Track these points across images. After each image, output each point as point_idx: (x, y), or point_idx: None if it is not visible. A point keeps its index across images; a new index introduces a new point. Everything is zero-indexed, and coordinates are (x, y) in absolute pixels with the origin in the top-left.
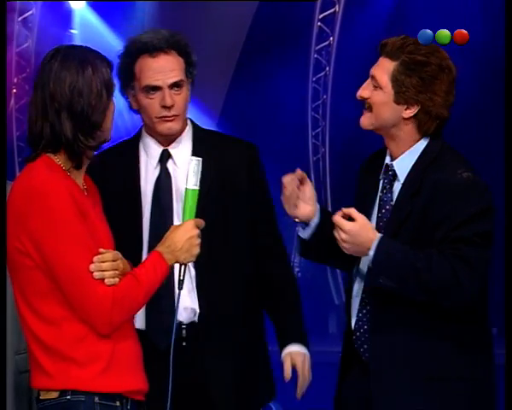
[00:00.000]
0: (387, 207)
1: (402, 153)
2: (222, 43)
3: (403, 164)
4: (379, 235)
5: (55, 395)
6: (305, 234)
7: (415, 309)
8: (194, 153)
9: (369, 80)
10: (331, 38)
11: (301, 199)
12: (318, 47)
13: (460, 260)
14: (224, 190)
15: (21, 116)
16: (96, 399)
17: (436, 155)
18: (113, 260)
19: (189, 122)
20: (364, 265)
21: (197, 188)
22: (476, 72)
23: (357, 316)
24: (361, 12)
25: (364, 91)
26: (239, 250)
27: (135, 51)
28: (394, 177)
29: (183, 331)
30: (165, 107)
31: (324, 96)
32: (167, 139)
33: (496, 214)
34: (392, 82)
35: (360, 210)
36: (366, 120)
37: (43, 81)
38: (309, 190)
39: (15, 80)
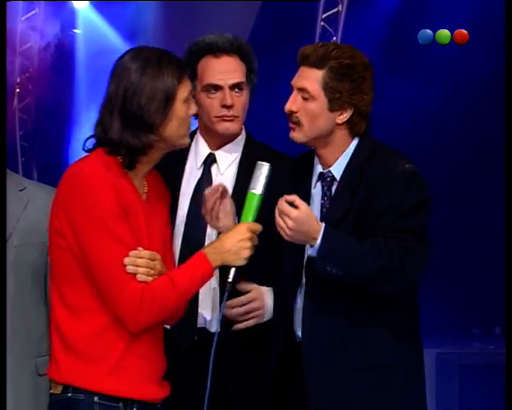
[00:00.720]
0: (328, 206)
1: (336, 159)
2: None
3: (339, 167)
4: (323, 224)
5: (59, 389)
6: None
7: (351, 296)
8: (241, 162)
9: (294, 93)
10: (334, 38)
11: (222, 211)
12: None
13: (406, 250)
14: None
15: (24, 116)
16: (96, 398)
17: (370, 151)
18: (150, 260)
19: (243, 131)
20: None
21: (260, 193)
22: (476, 72)
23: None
24: (364, 12)
25: (294, 105)
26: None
27: (198, 52)
28: (332, 181)
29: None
30: (225, 106)
31: None
32: (220, 141)
33: (496, 214)
34: (324, 90)
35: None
36: (299, 135)
37: (110, 78)
38: (229, 203)
39: (18, 80)
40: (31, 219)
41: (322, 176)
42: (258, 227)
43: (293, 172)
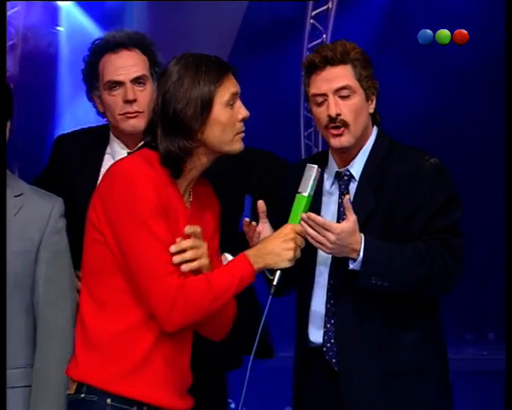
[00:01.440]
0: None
1: (353, 156)
2: (212, 44)
3: (357, 165)
4: (363, 236)
5: (73, 389)
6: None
7: (381, 301)
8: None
9: (331, 98)
10: (324, 36)
11: (262, 236)
12: (311, 45)
13: (448, 250)
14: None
15: None
16: (109, 400)
17: (388, 147)
18: (196, 247)
19: None
20: (321, 274)
21: (307, 195)
22: (476, 72)
23: (325, 327)
24: (354, 9)
25: (338, 108)
26: None
27: (98, 50)
28: (350, 179)
29: None
30: (127, 101)
31: None
32: (134, 142)
33: (492, 219)
34: (359, 81)
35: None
36: (347, 138)
37: (157, 85)
38: (268, 227)
39: None
40: (18, 227)
41: (338, 175)
42: (306, 230)
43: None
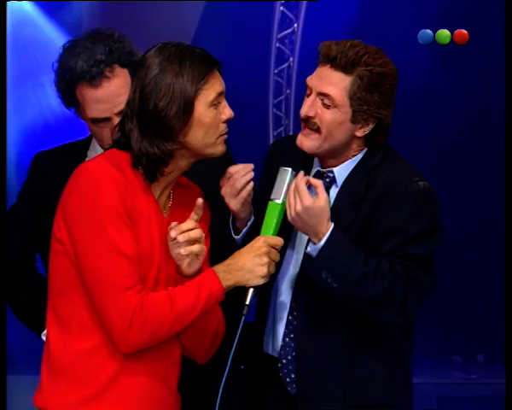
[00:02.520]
0: None
1: (342, 162)
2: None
3: (343, 170)
4: (332, 224)
5: None
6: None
7: (347, 327)
8: None
9: (313, 96)
10: (295, 25)
11: (249, 198)
12: (281, 35)
13: (412, 282)
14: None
15: None
16: None
17: (380, 159)
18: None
19: None
20: (289, 277)
21: (281, 203)
22: (476, 73)
23: (283, 341)
24: None
25: (311, 110)
26: None
27: (71, 80)
28: (331, 183)
29: None
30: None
31: (287, 91)
32: None
33: (495, 216)
34: (350, 100)
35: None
36: (312, 143)
37: (132, 77)
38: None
39: None
40: None
41: (319, 175)
42: (279, 241)
43: (289, 161)
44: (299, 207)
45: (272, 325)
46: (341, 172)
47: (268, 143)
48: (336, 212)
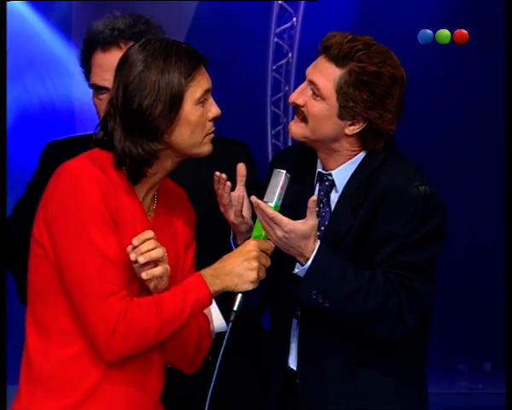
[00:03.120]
0: (327, 222)
1: (340, 164)
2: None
3: (343, 173)
4: (318, 243)
5: None
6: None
7: (351, 333)
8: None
9: (305, 84)
10: (294, 19)
11: (246, 206)
12: (279, 29)
13: (408, 291)
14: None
15: None
16: None
17: (381, 161)
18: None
19: None
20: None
21: (274, 206)
22: (475, 74)
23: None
24: None
25: (300, 97)
26: None
27: (89, 44)
28: (331, 187)
29: None
30: None
31: (286, 88)
32: None
33: (496, 216)
34: (337, 94)
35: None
36: (299, 130)
37: (114, 73)
38: (245, 195)
39: None
40: None
41: (320, 177)
42: (270, 246)
43: (294, 166)
44: (279, 233)
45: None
46: (340, 175)
47: (266, 141)
48: (336, 217)
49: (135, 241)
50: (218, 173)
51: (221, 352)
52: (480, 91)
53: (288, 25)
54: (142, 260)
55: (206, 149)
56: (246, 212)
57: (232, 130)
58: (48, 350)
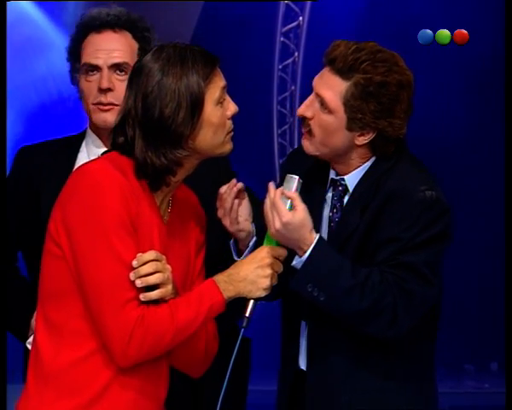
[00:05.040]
0: (337, 221)
1: (353, 170)
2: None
3: (355, 178)
4: (317, 236)
5: None
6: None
7: (355, 340)
8: None
9: (313, 96)
10: (300, 18)
11: (241, 214)
12: (285, 29)
13: (404, 293)
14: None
15: None
16: None
17: (392, 163)
18: (157, 260)
19: None
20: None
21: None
22: (475, 73)
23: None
24: None
25: (308, 110)
26: None
27: (82, 28)
28: (345, 192)
29: None
30: (101, 90)
31: (292, 88)
32: (108, 137)
33: (495, 217)
34: (344, 106)
35: None
36: (310, 146)
37: (128, 83)
38: (247, 204)
39: None
40: None
41: (333, 183)
42: (283, 251)
43: (305, 170)
44: (278, 224)
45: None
46: (353, 179)
47: (272, 141)
48: (344, 217)
49: (134, 262)
50: (234, 181)
51: (232, 358)
52: (481, 91)
53: (295, 24)
54: (139, 283)
55: (228, 147)
56: (245, 217)
57: (238, 129)
58: (60, 350)
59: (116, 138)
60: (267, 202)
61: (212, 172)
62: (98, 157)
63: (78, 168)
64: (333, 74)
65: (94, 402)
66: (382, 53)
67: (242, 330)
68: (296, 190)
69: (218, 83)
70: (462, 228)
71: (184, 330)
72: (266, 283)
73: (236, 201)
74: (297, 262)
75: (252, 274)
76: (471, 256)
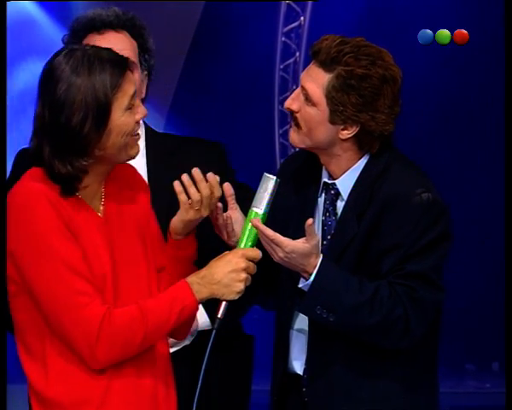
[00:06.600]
0: (333, 232)
1: (344, 171)
2: (174, 28)
3: (346, 181)
4: (320, 257)
5: None
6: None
7: (356, 347)
8: (149, 161)
9: (299, 90)
10: (302, 18)
11: (234, 227)
12: (286, 29)
13: (414, 302)
14: None
15: None
16: None
17: (383, 166)
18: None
19: (142, 125)
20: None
21: (263, 213)
22: (475, 72)
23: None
24: None
25: (294, 103)
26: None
27: (81, 29)
28: (337, 196)
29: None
30: None
31: (294, 88)
32: None
33: (496, 217)
34: (326, 99)
35: (293, 230)
36: (297, 138)
37: (38, 85)
38: (240, 215)
39: None
40: None
41: (326, 186)
42: (257, 254)
43: (297, 173)
44: (281, 254)
45: (295, 340)
46: (344, 183)
47: (273, 141)
48: (341, 225)
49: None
50: (219, 205)
51: (205, 358)
52: (480, 91)
53: (296, 24)
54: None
55: (137, 149)
56: (240, 227)
57: (240, 129)
58: (48, 376)
59: (30, 146)
60: (260, 238)
61: (211, 171)
62: (23, 175)
63: (8, 194)
64: (317, 67)
65: (102, 404)
66: (368, 47)
67: (214, 331)
68: (273, 190)
69: (127, 90)
70: (462, 228)
71: (156, 332)
72: (240, 287)
73: (229, 215)
74: (304, 285)
75: (226, 278)
76: (472, 256)
